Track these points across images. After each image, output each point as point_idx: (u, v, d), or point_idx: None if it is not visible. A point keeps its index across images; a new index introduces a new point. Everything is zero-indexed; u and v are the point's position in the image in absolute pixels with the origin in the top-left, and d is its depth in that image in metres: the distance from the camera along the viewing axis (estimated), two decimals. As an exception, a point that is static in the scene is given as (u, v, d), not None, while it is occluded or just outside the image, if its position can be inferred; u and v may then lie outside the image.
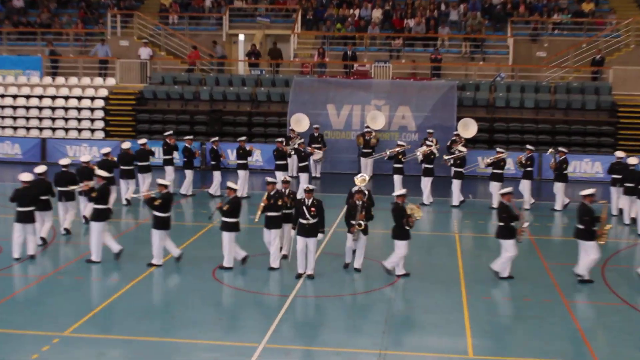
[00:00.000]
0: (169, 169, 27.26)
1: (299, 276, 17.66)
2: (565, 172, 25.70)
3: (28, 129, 35.66)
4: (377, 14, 40.01)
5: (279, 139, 27.88)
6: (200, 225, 23.10)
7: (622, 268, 19.35)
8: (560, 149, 25.88)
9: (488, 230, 23.27)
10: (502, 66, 36.76)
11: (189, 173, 27.22)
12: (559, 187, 25.66)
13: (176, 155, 28.04)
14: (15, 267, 18.34)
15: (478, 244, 22.03)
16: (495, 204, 25.33)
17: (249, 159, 27.32)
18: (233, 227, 18.10)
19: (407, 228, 17.59)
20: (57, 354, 13.28)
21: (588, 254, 17.56)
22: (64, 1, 43.69)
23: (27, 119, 35.83)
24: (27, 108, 36.01)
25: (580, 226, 17.59)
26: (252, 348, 13.59)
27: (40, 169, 20.00)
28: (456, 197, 26.24)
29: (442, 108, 32.54)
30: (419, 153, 26.55)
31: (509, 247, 17.57)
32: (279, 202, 18.10)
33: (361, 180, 18.59)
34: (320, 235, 17.82)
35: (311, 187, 17.93)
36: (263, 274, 18.13)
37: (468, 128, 30.80)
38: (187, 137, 27.65)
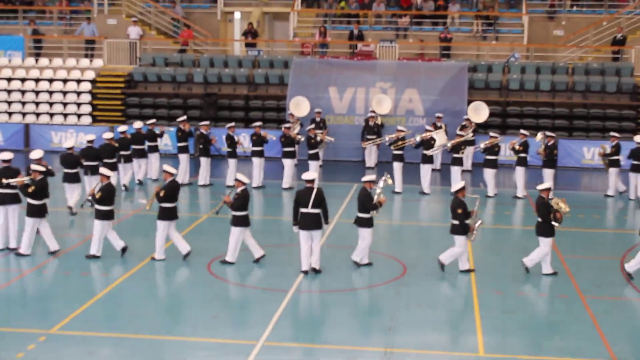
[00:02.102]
0: (183, 157, 27.27)
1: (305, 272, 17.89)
2: (555, 158, 26.00)
3: (10, 114, 35.74)
4: (382, -10, 40.04)
5: (287, 125, 27.96)
6: (195, 216, 23.21)
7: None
8: (548, 134, 26.16)
9: (499, 221, 23.40)
10: (517, 46, 36.80)
11: (204, 161, 27.16)
12: (548, 174, 25.86)
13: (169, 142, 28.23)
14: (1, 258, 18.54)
15: (488, 236, 22.10)
16: (490, 193, 25.60)
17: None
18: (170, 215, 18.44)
19: (556, 224, 17.71)
20: (44, 353, 13.37)
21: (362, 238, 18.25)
22: (47, -23, 43.74)
23: (9, 103, 35.90)
24: (9, 92, 36.07)
25: (361, 214, 18.10)
26: (250, 346, 13.69)
27: (6, 155, 19.92)
28: (491, 186, 26.11)
29: (451, 91, 32.58)
30: (418, 137, 26.62)
31: (546, 244, 17.79)
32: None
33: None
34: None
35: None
36: (262, 268, 18.27)
37: (479, 112, 30.84)
38: (203, 123, 27.65)
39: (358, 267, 18.22)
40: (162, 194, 18.25)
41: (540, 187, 18.11)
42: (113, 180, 18.91)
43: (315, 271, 17.86)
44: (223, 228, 21.79)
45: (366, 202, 17.86)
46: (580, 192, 26.97)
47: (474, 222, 17.82)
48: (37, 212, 18.52)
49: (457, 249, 17.90)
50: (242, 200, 18.01)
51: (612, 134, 26.93)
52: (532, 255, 17.95)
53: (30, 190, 18.24)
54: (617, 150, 26.15)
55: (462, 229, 17.72)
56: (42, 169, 18.87)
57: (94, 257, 18.54)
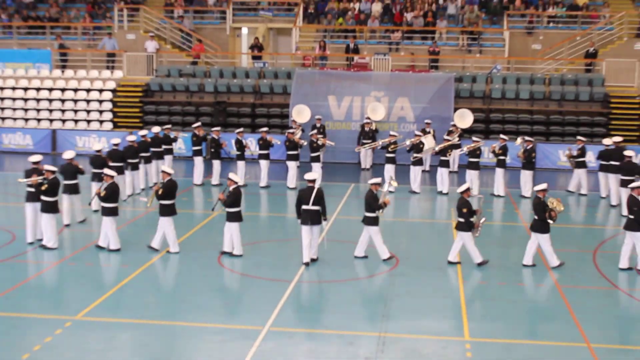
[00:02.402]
0: (198, 160, 27.32)
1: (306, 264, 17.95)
2: (533, 160, 26.12)
3: (39, 120, 35.78)
4: (376, 7, 40.01)
5: (291, 130, 28.01)
6: (206, 213, 23.22)
7: (613, 254, 19.42)
8: (527, 138, 26.26)
9: (491, 217, 23.39)
10: (498, 58, 36.80)
11: (216, 163, 27.22)
12: (527, 175, 25.88)
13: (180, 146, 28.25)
14: (29, 253, 18.51)
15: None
16: (475, 192, 25.58)
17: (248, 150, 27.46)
18: (170, 211, 18.52)
19: (551, 222, 17.69)
20: (70, 337, 13.42)
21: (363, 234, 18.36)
22: (72, -4, 43.76)
23: (38, 110, 35.93)
24: (38, 100, 36.11)
25: (368, 214, 18.08)
26: (256, 331, 13.73)
27: (35, 157, 19.96)
28: (475, 186, 26.03)
29: (439, 99, 32.58)
30: (408, 142, 26.71)
31: (544, 239, 17.82)
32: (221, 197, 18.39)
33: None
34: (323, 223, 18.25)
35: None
36: (267, 260, 18.28)
37: (464, 119, 30.86)
38: (215, 129, 27.73)
39: (362, 259, 18.28)
40: (160, 192, 18.32)
41: (537, 187, 18.10)
42: (131, 179, 18.98)
43: (313, 260, 18.00)
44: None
45: (372, 202, 17.88)
46: (557, 191, 26.90)
47: (478, 220, 17.79)
48: (52, 208, 18.56)
49: (458, 243, 18.00)
50: (234, 198, 18.08)
51: (578, 137, 27.10)
52: (527, 251, 18.07)
53: (43, 188, 18.26)
54: (582, 152, 26.28)
55: (467, 226, 17.69)
56: (55, 169, 18.86)
57: (116, 250, 18.60)
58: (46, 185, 18.28)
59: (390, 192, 25.14)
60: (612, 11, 38.45)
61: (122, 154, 24.18)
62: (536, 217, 17.78)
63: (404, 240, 20.48)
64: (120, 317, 14.47)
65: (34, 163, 19.27)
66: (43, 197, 18.44)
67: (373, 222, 18.06)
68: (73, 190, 20.87)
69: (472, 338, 13.75)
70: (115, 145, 24.22)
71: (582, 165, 26.41)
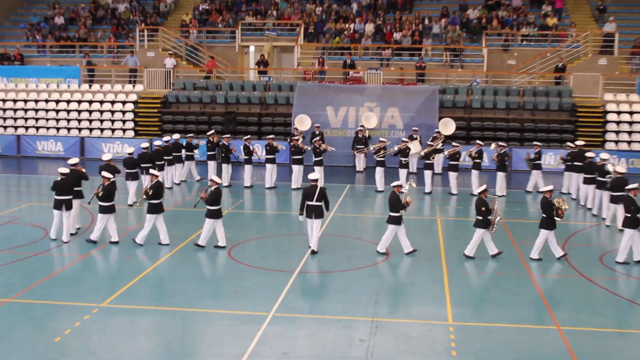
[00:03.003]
0: (211, 164, 27.38)
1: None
2: (506, 163, 26.17)
3: (69, 129, 35.79)
4: (369, 27, 40.02)
5: (295, 137, 28.02)
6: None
7: (579, 246, 19.48)
8: (500, 143, 26.33)
9: (460, 214, 23.42)
10: (478, 73, 36.80)
11: (225, 167, 27.23)
12: (500, 177, 25.91)
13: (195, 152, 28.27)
14: (60, 247, 18.50)
15: (456, 227, 22.12)
16: (454, 191, 25.68)
17: (252, 155, 27.45)
18: (158, 209, 18.51)
19: (558, 219, 17.71)
20: (96, 322, 13.42)
21: (387, 232, 18.11)
22: (98, 18, 43.71)
23: (68, 120, 35.96)
24: (68, 111, 36.12)
25: (392, 213, 17.91)
26: (263, 316, 13.74)
27: (73, 160, 20.26)
28: (454, 186, 26.30)
29: (425, 109, 32.61)
30: (396, 147, 26.81)
31: (548, 234, 17.74)
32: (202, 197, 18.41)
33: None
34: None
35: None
36: (273, 253, 18.28)
37: (448, 126, 30.88)
38: (225, 136, 27.80)
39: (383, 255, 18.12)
40: (150, 192, 18.36)
41: (544, 188, 18.12)
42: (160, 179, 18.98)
43: (313, 252, 18.06)
44: (241, 222, 21.90)
45: (396, 203, 17.79)
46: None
47: (494, 218, 17.72)
48: (107, 210, 18.63)
49: (476, 240, 17.84)
50: (214, 197, 18.12)
51: (535, 142, 27.18)
52: (535, 246, 18.00)
53: (100, 195, 18.41)
54: (539, 155, 26.30)
55: (484, 224, 17.61)
56: (111, 175, 18.86)
57: (165, 244, 18.69)
58: (102, 192, 18.43)
59: (452, 194, 25.47)
60: (578, 31, 38.46)
61: (150, 156, 24.67)
62: (544, 215, 17.67)
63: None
64: (141, 304, 14.49)
65: (72, 165, 19.77)
66: (101, 203, 18.54)
67: (397, 220, 17.92)
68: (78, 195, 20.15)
69: (455, 322, 13.75)
70: (145, 149, 24.76)
71: (538, 167, 26.45)
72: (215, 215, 18.27)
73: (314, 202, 18.04)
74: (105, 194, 18.43)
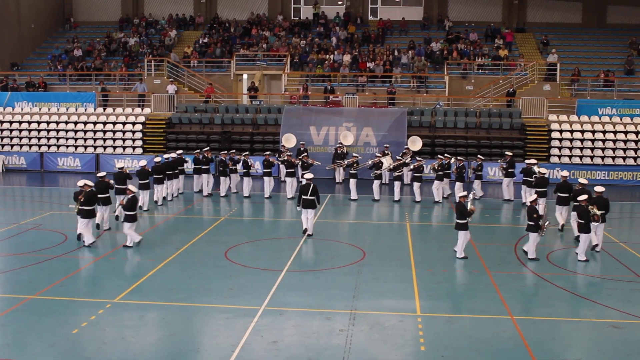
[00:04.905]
0: (205, 176, 27.15)
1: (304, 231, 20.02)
2: (463, 174, 26.21)
3: (85, 147, 35.48)
4: (347, 58, 40.09)
5: (289, 153, 28.04)
6: (215, 218, 23.10)
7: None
8: (459, 157, 26.45)
9: (424, 219, 23.41)
10: (441, 97, 36.93)
11: (223, 179, 27.06)
12: (458, 186, 25.85)
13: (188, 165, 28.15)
14: (77, 251, 18.31)
15: (424, 231, 22.09)
16: (418, 199, 25.68)
17: (250, 169, 27.31)
18: (132, 219, 18.43)
19: (595, 223, 17.86)
20: (110, 316, 13.29)
21: (460, 239, 17.91)
22: (112, 50, 43.54)
23: (85, 139, 35.66)
24: (85, 131, 35.84)
25: (459, 220, 17.78)
26: (255, 310, 13.65)
27: (101, 173, 20.51)
28: (418, 194, 26.24)
29: (395, 128, 32.65)
30: (370, 161, 26.90)
31: (587, 238, 17.79)
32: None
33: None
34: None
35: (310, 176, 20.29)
36: (264, 254, 18.17)
37: (415, 143, 30.87)
38: (223, 152, 27.71)
39: (463, 259, 17.82)
40: (81, 199, 18.40)
41: (580, 197, 17.97)
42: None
43: (309, 235, 19.78)
44: (236, 228, 21.76)
45: (463, 211, 17.65)
46: (487, 199, 26.96)
47: (543, 223, 17.64)
48: (87, 214, 18.59)
49: (532, 242, 17.70)
50: (130, 204, 18.25)
51: (506, 153, 27.29)
52: (599, 238, 18.14)
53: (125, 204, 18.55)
54: (511, 164, 26.40)
55: (536, 228, 17.51)
56: (91, 183, 18.90)
57: (129, 247, 18.61)
58: (82, 198, 18.50)
59: (416, 202, 25.44)
60: (526, 61, 38.73)
61: (162, 167, 24.96)
62: (582, 221, 17.68)
63: (369, 238, 20.41)
64: (149, 300, 14.35)
65: (101, 177, 20.08)
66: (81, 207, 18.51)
67: (464, 227, 17.77)
68: (105, 202, 20.44)
69: (423, 313, 13.71)
70: (157, 162, 24.99)
71: (511, 175, 26.52)
72: (132, 219, 18.37)
73: (308, 197, 19.78)
74: (127, 204, 18.41)
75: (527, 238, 18.29)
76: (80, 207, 18.44)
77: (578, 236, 18.75)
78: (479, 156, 27.45)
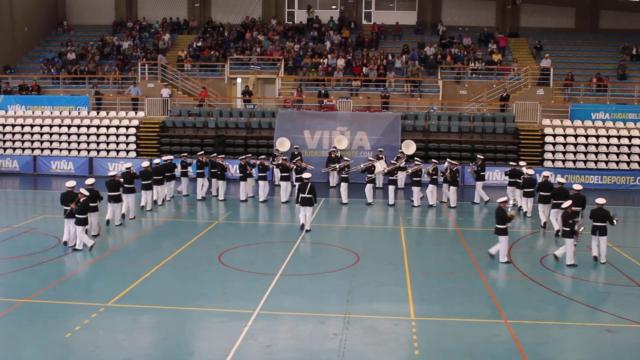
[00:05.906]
0: (200, 180, 27.09)
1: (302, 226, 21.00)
2: (457, 178, 26.24)
3: (79, 150, 35.38)
4: (341, 62, 40.14)
5: (284, 157, 28.07)
6: (210, 222, 23.05)
7: (522, 250, 19.53)
8: (452, 162, 26.47)
9: (421, 223, 23.40)
10: (434, 101, 37.00)
11: (221, 183, 27.03)
12: (452, 190, 25.98)
13: (190, 169, 28.13)
14: (70, 254, 18.24)
15: (417, 235, 22.11)
16: (417, 203, 25.62)
17: (249, 173, 27.31)
18: (83, 222, 18.44)
19: (612, 225, 17.99)
20: (103, 319, 13.23)
21: (501, 243, 17.87)
22: (105, 54, 43.46)
23: (78, 143, 35.55)
24: (78, 135, 35.71)
25: (499, 225, 17.78)
26: (249, 314, 13.61)
27: (89, 180, 19.99)
28: (417, 199, 26.15)
29: (389, 132, 32.66)
30: (363, 165, 26.91)
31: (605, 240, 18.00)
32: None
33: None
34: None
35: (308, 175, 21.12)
36: (258, 258, 18.13)
37: (409, 147, 30.91)
38: (221, 156, 27.73)
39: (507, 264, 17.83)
40: (74, 207, 18.43)
41: (598, 201, 18.04)
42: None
43: (307, 230, 20.86)
44: (231, 231, 21.74)
45: (504, 216, 17.69)
46: (481, 204, 26.99)
47: (578, 229, 17.69)
48: (82, 222, 18.52)
49: (570, 247, 17.65)
50: (82, 207, 18.33)
51: (478, 156, 27.32)
52: (601, 250, 18.04)
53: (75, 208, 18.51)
54: (482, 168, 26.49)
55: (571, 234, 17.54)
56: (87, 193, 18.70)
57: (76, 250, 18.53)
58: (77, 207, 18.54)
59: (415, 206, 25.48)
60: (519, 65, 38.87)
61: (162, 169, 25.37)
62: (601, 224, 17.82)
63: (362, 242, 20.41)
64: (142, 304, 14.30)
65: (89, 185, 19.66)
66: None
67: (504, 232, 17.78)
68: (116, 199, 21.42)
69: (417, 317, 13.70)
70: (157, 164, 25.42)
71: (481, 178, 26.60)
72: (83, 222, 18.39)
73: (305, 195, 20.79)
74: (79, 208, 18.43)
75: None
76: (76, 216, 18.35)
77: (559, 231, 19.61)
78: (479, 156, 27.40)
